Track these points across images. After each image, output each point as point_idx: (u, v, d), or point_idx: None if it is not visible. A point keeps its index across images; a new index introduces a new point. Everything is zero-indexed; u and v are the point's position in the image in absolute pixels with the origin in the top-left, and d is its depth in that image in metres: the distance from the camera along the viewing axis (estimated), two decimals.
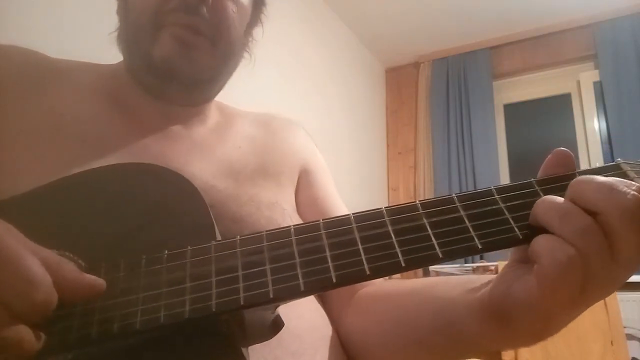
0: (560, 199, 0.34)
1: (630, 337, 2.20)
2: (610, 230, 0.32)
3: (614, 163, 0.38)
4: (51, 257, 0.34)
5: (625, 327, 1.96)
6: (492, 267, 2.43)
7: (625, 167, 0.37)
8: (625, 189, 0.32)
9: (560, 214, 0.33)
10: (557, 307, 0.34)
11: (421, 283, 0.54)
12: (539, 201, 0.35)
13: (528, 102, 3.28)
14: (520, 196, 0.37)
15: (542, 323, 0.35)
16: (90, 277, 0.35)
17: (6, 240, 0.32)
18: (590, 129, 2.98)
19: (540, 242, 0.33)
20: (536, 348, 1.90)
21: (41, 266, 0.33)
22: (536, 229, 0.35)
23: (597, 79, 2.98)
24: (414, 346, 0.50)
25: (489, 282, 0.40)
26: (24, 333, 0.31)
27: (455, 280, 0.48)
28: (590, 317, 1.87)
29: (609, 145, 2.82)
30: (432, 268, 2.64)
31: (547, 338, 0.37)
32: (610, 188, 0.32)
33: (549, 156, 0.39)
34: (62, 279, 0.34)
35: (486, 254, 2.69)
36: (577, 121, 3.06)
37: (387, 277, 0.39)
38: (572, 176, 0.36)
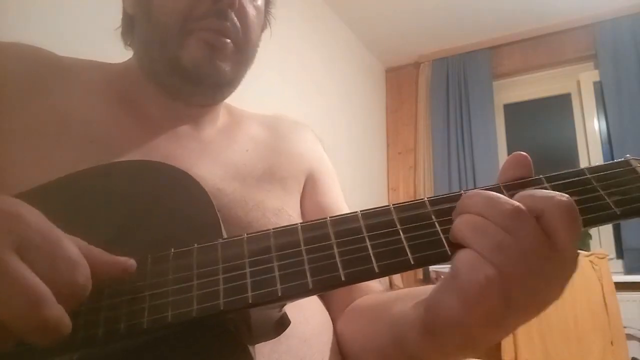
0: (475, 217, 0.34)
1: (630, 337, 2.20)
2: (552, 229, 0.32)
3: (623, 160, 0.38)
4: (81, 241, 0.35)
5: (625, 327, 1.96)
6: None
7: (635, 164, 0.37)
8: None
9: (475, 228, 0.33)
10: (479, 324, 0.33)
11: (390, 297, 0.54)
12: (457, 219, 0.35)
13: (528, 102, 3.28)
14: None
15: (463, 338, 0.35)
16: (122, 258, 0.36)
17: (43, 224, 0.33)
18: (590, 129, 2.98)
19: (460, 258, 0.33)
20: (536, 348, 1.90)
21: (78, 249, 0.33)
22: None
23: (597, 79, 2.98)
24: (377, 358, 0.50)
25: (430, 293, 0.40)
26: (63, 315, 0.31)
27: (417, 291, 0.47)
28: (590, 317, 1.87)
29: (609, 145, 2.82)
30: (432, 268, 2.64)
31: (474, 352, 0.37)
32: (546, 194, 0.33)
33: (508, 158, 0.40)
34: (94, 261, 0.34)
35: None
36: (577, 121, 3.06)
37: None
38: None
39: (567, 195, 0.33)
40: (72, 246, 0.33)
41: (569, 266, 0.34)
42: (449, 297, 0.34)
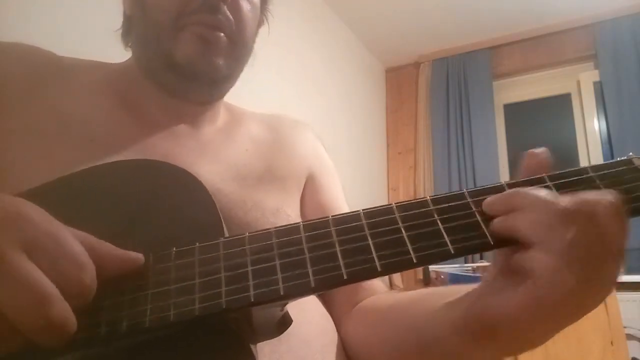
0: (541, 215, 0.33)
1: (630, 337, 2.20)
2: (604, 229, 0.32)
3: (626, 158, 0.38)
4: (89, 237, 0.35)
5: (625, 327, 1.96)
6: None
7: (638, 162, 0.37)
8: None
9: (547, 227, 0.32)
10: (547, 327, 0.33)
11: (407, 298, 0.54)
12: (519, 216, 0.34)
13: (528, 102, 3.28)
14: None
15: (527, 339, 0.35)
16: (130, 252, 0.36)
17: (50, 223, 0.33)
18: (590, 129, 2.98)
19: (539, 265, 0.32)
20: (536, 348, 1.90)
21: (84, 248, 0.33)
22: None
23: (597, 79, 2.97)
24: (395, 358, 0.50)
25: (465, 295, 0.39)
26: (70, 314, 0.31)
27: (442, 292, 0.47)
28: (590, 317, 1.86)
29: (609, 145, 2.82)
30: (432, 268, 2.64)
31: (533, 349, 0.37)
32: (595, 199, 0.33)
33: (526, 157, 0.40)
34: (104, 256, 0.34)
35: (486, 254, 2.69)
36: (577, 121, 3.06)
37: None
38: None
39: (614, 194, 0.33)
40: (78, 245, 0.33)
41: (618, 268, 0.33)
42: (512, 298, 0.33)
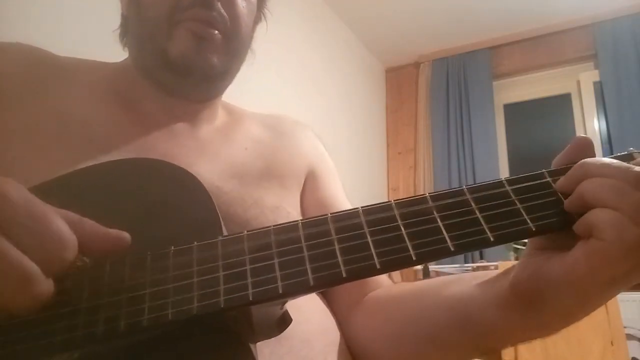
0: (610, 179, 0.34)
1: (630, 337, 2.20)
2: None
3: (626, 152, 0.38)
4: (72, 214, 0.34)
5: (625, 327, 1.95)
6: (492, 267, 2.43)
7: (638, 156, 0.37)
8: None
9: (616, 190, 0.33)
10: (602, 285, 0.34)
11: (431, 283, 0.54)
12: (586, 181, 0.34)
13: (528, 102, 3.28)
14: (532, 188, 0.37)
15: (579, 301, 0.35)
16: (114, 230, 0.36)
17: (28, 200, 0.32)
18: (590, 129, 2.98)
19: (603, 217, 0.32)
20: (536, 348, 1.90)
21: (66, 225, 0.33)
22: (567, 215, 0.35)
23: (597, 79, 2.98)
24: (426, 345, 0.50)
25: (506, 271, 0.40)
26: (51, 288, 0.31)
27: (468, 276, 0.48)
28: (590, 317, 1.85)
29: (609, 145, 2.82)
30: (432, 268, 2.64)
31: (576, 322, 0.38)
32: None
33: (569, 145, 0.40)
34: (88, 233, 0.34)
35: (486, 254, 2.70)
36: (577, 121, 3.06)
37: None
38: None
39: None
40: (58, 221, 0.33)
41: None
42: (565, 259, 0.34)
